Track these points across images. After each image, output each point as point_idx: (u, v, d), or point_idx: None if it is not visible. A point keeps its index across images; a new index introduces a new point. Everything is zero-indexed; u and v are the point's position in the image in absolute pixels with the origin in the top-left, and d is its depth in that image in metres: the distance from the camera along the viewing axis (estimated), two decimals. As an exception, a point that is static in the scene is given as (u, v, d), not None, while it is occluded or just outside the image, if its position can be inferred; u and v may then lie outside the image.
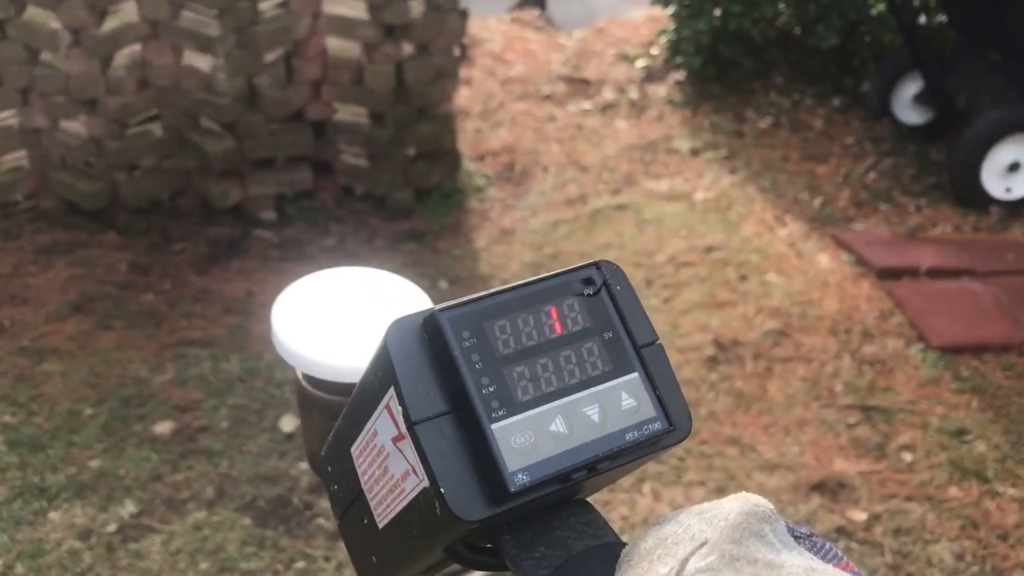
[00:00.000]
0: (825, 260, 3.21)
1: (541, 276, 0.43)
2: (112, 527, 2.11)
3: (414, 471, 0.41)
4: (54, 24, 2.95)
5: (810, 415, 2.53)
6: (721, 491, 2.24)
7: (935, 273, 3.12)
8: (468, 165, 3.71)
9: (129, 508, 2.16)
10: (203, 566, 2.03)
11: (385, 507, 0.45)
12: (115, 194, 3.21)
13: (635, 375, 0.43)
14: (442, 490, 0.39)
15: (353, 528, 0.51)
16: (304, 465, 2.29)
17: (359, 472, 0.47)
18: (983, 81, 3.77)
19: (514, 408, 0.40)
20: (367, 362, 0.44)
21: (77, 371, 2.58)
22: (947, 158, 3.83)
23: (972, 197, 3.57)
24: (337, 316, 0.59)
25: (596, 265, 0.44)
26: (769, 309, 2.94)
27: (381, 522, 0.46)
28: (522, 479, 0.39)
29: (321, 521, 2.14)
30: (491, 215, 3.48)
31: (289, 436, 2.38)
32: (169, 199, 3.33)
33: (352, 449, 0.47)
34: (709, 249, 3.26)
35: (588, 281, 0.43)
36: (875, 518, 2.22)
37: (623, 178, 3.76)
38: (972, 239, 3.39)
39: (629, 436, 0.41)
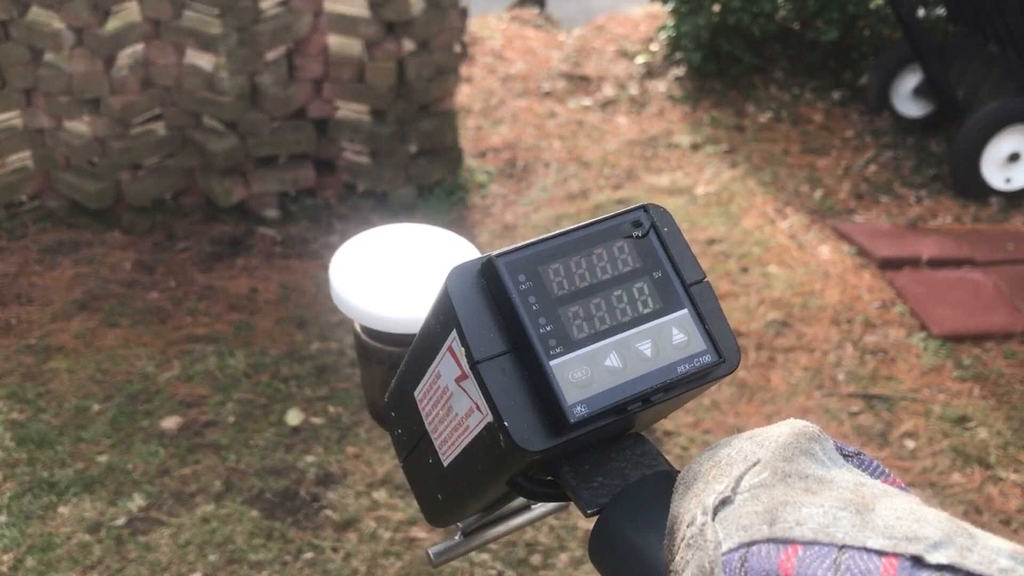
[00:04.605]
0: (826, 251, 3.23)
1: (591, 220, 0.45)
2: (121, 520, 2.13)
3: (478, 408, 0.43)
4: (57, 24, 2.97)
5: (813, 404, 2.54)
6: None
7: (936, 263, 3.13)
8: (470, 162, 3.73)
9: (138, 502, 2.18)
10: (212, 558, 2.04)
11: (450, 445, 0.48)
12: (119, 193, 3.23)
13: (685, 311, 0.45)
14: (506, 423, 0.41)
15: (418, 469, 0.53)
16: (311, 458, 2.31)
17: (423, 414, 0.49)
18: (982, 73, 3.78)
19: (570, 345, 0.42)
20: (423, 313, 0.47)
21: (84, 368, 2.60)
22: (947, 150, 3.85)
23: (972, 188, 3.58)
24: (392, 270, 0.61)
25: (644, 208, 0.46)
26: (771, 300, 2.96)
27: (446, 460, 0.49)
28: (580, 411, 0.41)
29: (328, 512, 2.16)
30: (493, 211, 3.49)
31: (295, 429, 2.40)
32: (173, 198, 3.35)
33: (415, 393, 0.49)
34: (711, 242, 3.28)
35: (636, 223, 0.45)
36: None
37: (624, 173, 3.78)
38: (972, 229, 3.41)
39: (681, 369, 0.43)
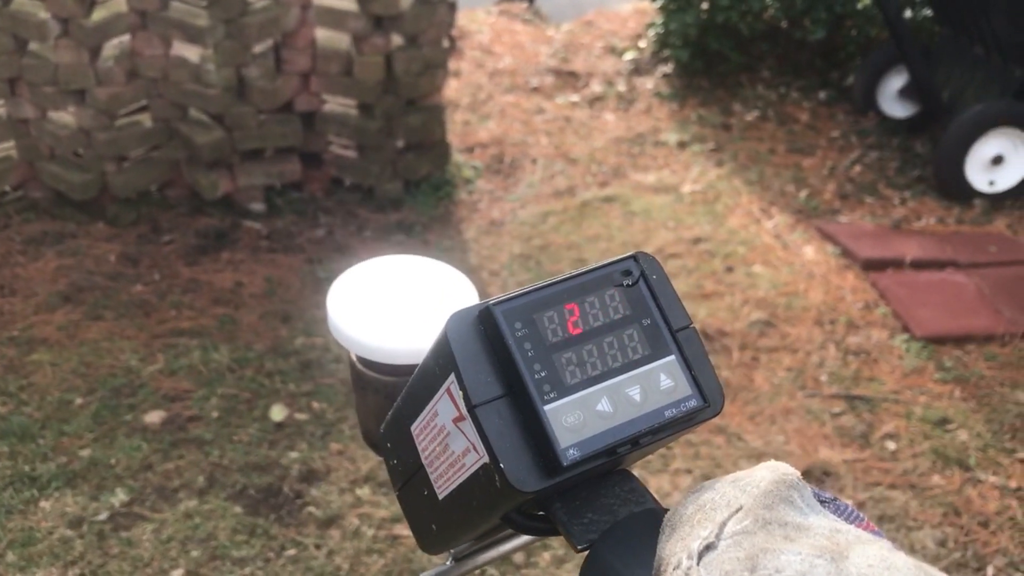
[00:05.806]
0: (810, 252, 3.24)
1: (583, 270, 0.47)
2: (103, 515, 2.12)
3: (474, 448, 0.45)
4: (43, 14, 2.95)
5: (795, 404, 2.56)
6: (707, 479, 2.26)
7: (919, 265, 3.16)
8: (457, 157, 3.73)
9: (120, 497, 2.17)
10: (194, 554, 2.04)
11: (445, 480, 0.49)
12: (104, 185, 3.21)
13: (672, 358, 0.47)
14: (502, 465, 0.43)
15: (413, 499, 0.55)
16: (294, 454, 2.31)
17: (419, 448, 0.51)
18: (967, 75, 3.80)
19: (564, 391, 0.44)
20: (418, 345, 0.49)
21: (67, 361, 2.58)
22: (931, 151, 3.87)
23: (956, 190, 3.60)
24: (388, 302, 0.62)
25: (634, 257, 0.48)
26: (755, 300, 2.97)
27: (442, 494, 0.50)
28: (573, 454, 0.43)
29: (311, 509, 2.16)
30: (480, 207, 3.49)
31: (279, 425, 2.40)
32: (158, 190, 3.33)
33: (412, 428, 0.51)
34: (696, 241, 3.29)
35: (626, 272, 0.47)
36: (859, 506, 2.25)
37: (611, 170, 3.79)
38: (956, 231, 3.43)
39: (668, 413, 0.45)
